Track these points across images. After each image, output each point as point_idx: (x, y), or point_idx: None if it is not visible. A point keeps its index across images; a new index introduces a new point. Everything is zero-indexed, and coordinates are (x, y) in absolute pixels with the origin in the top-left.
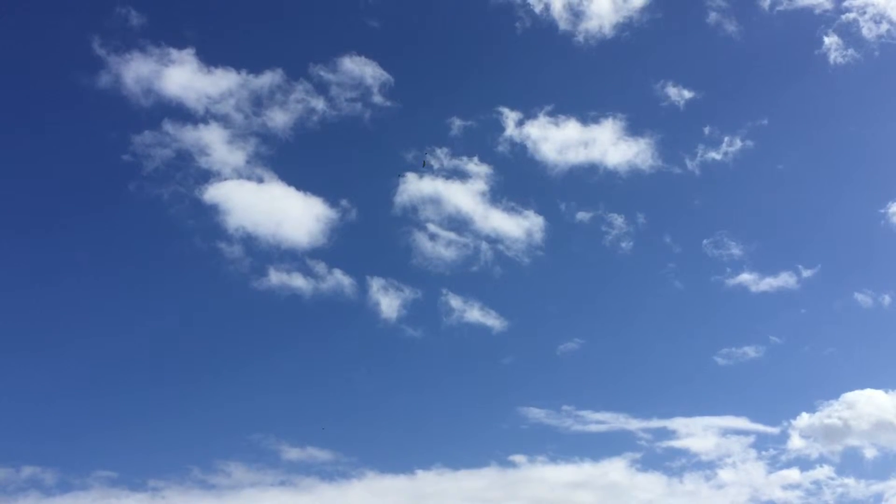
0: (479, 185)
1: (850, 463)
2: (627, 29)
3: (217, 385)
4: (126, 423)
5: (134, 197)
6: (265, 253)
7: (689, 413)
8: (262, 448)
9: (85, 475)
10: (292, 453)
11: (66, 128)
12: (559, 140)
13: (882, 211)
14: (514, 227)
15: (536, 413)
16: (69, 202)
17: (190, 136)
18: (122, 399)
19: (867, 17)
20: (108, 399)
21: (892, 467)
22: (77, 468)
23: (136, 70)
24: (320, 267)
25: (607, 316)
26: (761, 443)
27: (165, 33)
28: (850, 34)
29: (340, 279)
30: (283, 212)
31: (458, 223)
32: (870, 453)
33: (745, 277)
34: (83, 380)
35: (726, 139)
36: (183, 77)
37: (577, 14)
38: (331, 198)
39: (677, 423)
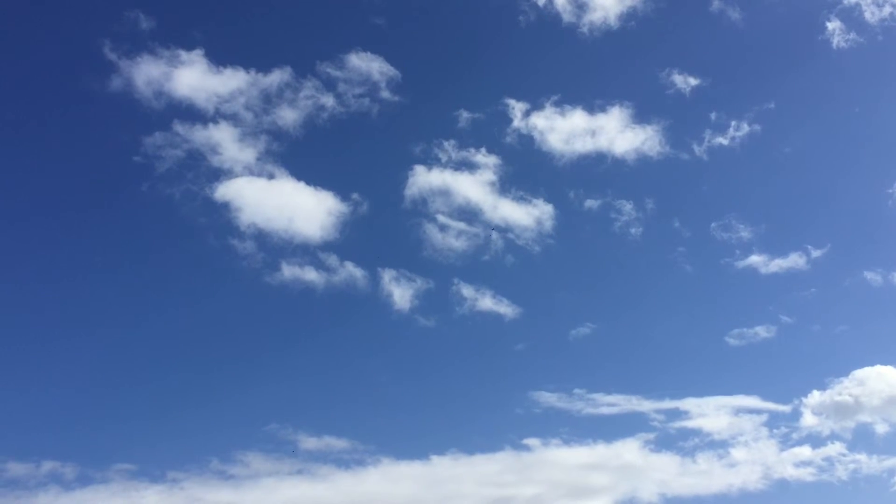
0: (488, 176)
1: (862, 439)
2: (632, 19)
3: (234, 378)
4: (144, 416)
5: (147, 197)
6: (277, 248)
7: (701, 393)
8: (279, 438)
9: (105, 468)
10: (309, 442)
11: (78, 132)
12: (566, 129)
13: (889, 191)
14: (524, 215)
15: (549, 397)
16: (84, 204)
17: (200, 135)
18: (140, 393)
19: (869, 1)
20: (126, 393)
21: None
22: (97, 462)
23: (146, 73)
24: (332, 260)
25: (618, 300)
26: (773, 421)
27: (174, 35)
28: (852, 18)
29: (353, 271)
30: (295, 207)
31: (468, 214)
32: (881, 429)
33: (755, 259)
34: (101, 375)
35: (733, 124)
36: (192, 78)
37: (580, 6)
38: (342, 192)
39: (689, 404)
